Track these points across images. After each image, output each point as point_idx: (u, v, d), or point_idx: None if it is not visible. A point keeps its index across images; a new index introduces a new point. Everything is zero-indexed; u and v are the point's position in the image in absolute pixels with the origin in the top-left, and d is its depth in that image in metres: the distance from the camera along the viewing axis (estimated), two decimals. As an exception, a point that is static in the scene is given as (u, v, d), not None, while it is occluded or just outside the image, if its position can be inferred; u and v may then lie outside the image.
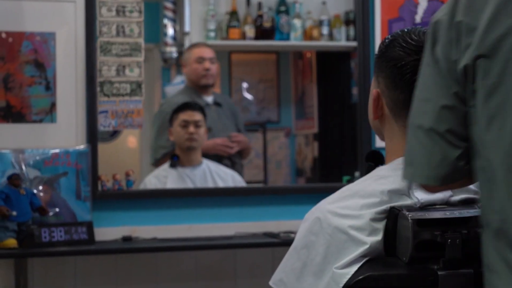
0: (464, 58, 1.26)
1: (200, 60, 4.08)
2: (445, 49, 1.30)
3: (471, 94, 1.27)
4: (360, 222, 1.47)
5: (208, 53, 4.11)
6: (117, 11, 3.42)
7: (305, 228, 1.54)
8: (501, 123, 1.22)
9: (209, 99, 4.14)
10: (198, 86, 4.12)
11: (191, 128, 3.82)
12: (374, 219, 1.47)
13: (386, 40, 1.61)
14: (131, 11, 3.43)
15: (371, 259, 1.46)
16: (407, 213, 1.44)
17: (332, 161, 5.03)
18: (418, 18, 3.72)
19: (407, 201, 1.49)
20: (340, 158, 4.91)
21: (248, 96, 5.42)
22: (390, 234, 1.47)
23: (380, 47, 1.61)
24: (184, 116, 3.85)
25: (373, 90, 1.62)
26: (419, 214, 1.45)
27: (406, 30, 1.60)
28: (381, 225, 1.47)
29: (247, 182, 4.95)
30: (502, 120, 1.22)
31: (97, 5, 3.39)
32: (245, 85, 5.42)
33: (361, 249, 1.46)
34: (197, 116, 3.87)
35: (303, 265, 1.52)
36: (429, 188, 1.37)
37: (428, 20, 3.72)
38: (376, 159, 1.65)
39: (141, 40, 3.44)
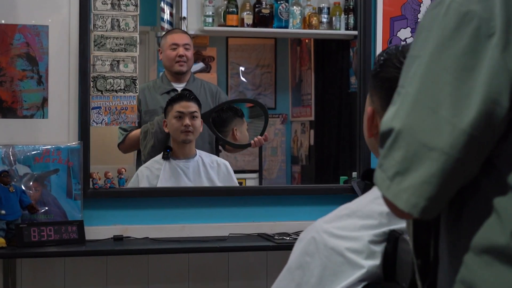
0: None
1: (174, 46, 3.97)
2: None
3: None
4: (358, 244, 1.44)
5: (182, 39, 4.00)
6: (112, 4, 3.34)
7: (300, 248, 1.51)
8: None
9: (179, 86, 4.03)
10: (172, 73, 4.03)
11: (187, 120, 3.72)
12: (372, 242, 1.44)
13: (381, 58, 1.54)
14: (126, 5, 3.35)
15: (370, 283, 1.41)
16: (408, 237, 1.38)
17: (328, 150, 4.99)
18: (420, 16, 3.64)
19: (406, 223, 1.43)
20: (336, 147, 4.87)
21: (245, 80, 5.36)
22: (390, 258, 1.43)
23: (375, 65, 1.55)
24: (179, 107, 3.73)
25: (368, 108, 1.56)
26: (420, 239, 1.39)
27: (400, 48, 1.53)
28: (379, 248, 1.43)
29: (242, 170, 4.89)
30: None
31: (92, -3, 3.32)
32: (242, 69, 5.37)
33: (358, 273, 1.42)
34: (193, 107, 3.74)
35: (297, 287, 1.47)
36: (398, 212, 1.12)
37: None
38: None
39: (136, 35, 3.37)
